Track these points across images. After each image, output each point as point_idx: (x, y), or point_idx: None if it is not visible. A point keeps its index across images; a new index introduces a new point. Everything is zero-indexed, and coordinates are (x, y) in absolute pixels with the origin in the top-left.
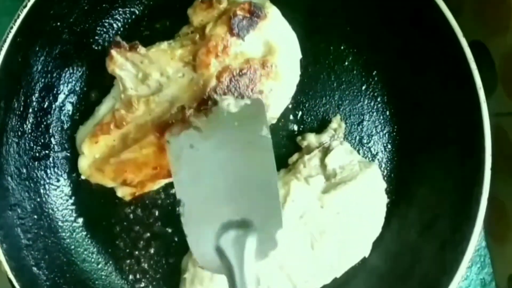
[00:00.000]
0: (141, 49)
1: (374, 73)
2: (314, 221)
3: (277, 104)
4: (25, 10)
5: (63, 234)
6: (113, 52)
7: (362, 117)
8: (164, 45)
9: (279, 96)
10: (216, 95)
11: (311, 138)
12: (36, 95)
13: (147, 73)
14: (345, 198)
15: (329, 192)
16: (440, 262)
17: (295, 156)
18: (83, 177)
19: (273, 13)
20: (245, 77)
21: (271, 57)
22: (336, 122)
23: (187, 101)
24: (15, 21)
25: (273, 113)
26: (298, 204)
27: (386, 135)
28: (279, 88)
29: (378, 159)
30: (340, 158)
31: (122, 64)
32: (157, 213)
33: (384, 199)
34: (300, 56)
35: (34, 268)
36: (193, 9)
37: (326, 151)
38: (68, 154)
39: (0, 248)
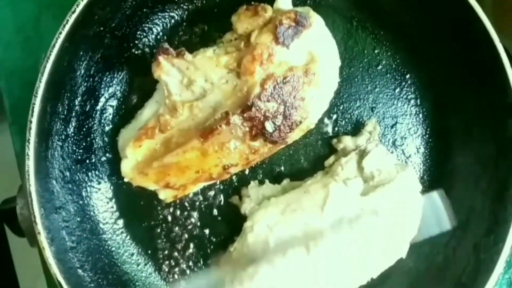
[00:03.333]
0: (188, 56)
1: (407, 76)
2: (353, 222)
3: (317, 110)
4: (74, 16)
5: (104, 236)
6: (161, 58)
7: (395, 120)
8: (209, 52)
9: (319, 103)
10: (260, 102)
11: (347, 141)
12: (79, 99)
13: (192, 79)
14: (383, 200)
15: (368, 194)
16: (474, 263)
17: (331, 159)
18: (126, 180)
19: (317, 22)
20: (289, 85)
21: (313, 65)
22: (371, 125)
23: (230, 107)
24: (64, 26)
25: (313, 119)
26: (338, 206)
27: (419, 137)
28: (320, 94)
29: (411, 161)
30: (377, 160)
31: (168, 70)
32: (195, 214)
33: (420, 201)
34: (339, 63)
35: (79, 270)
36: (237, 16)
37: (362, 153)
38: (109, 157)
39: (49, 251)
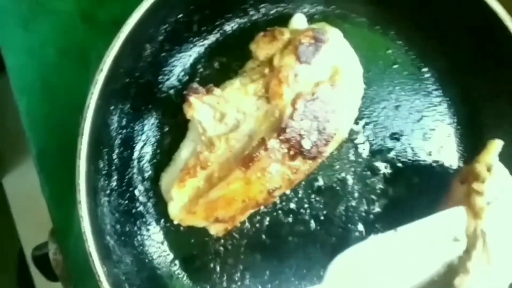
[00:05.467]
0: (217, 91)
1: (424, 70)
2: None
3: (348, 119)
4: (103, 74)
5: (162, 280)
6: (191, 98)
7: (421, 114)
8: (236, 83)
9: (349, 111)
10: (294, 122)
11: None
12: (116, 151)
13: (224, 112)
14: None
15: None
16: None
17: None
18: (175, 222)
19: (334, 35)
20: (318, 100)
21: (338, 76)
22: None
23: (266, 133)
24: (95, 86)
25: (346, 129)
26: None
27: (448, 126)
28: (348, 103)
29: (444, 150)
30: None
31: (199, 108)
32: (245, 242)
33: None
34: (362, 70)
35: None
36: (256, 44)
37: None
38: (153, 202)
39: None
